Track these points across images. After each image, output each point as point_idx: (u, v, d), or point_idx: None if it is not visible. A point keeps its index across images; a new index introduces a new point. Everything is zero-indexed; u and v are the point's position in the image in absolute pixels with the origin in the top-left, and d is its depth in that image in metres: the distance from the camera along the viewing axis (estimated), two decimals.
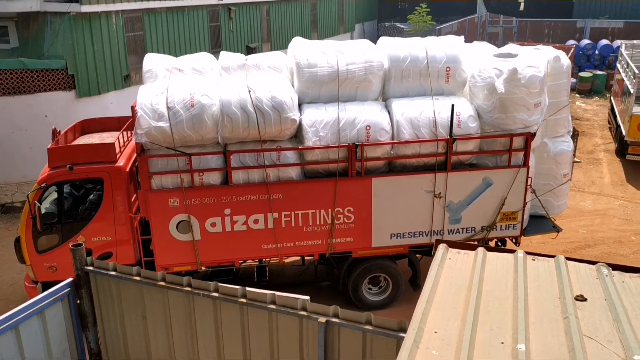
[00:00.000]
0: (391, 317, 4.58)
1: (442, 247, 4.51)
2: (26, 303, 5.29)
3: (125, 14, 15.09)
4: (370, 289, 9.44)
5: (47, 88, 13.77)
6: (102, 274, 5.71)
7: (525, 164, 8.74)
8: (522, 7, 37.94)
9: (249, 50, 20.76)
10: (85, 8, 13.56)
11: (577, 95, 24.51)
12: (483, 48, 9.57)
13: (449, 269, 4.21)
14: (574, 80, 24.12)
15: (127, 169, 8.56)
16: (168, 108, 7.95)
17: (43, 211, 8.47)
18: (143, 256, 8.64)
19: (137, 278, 5.53)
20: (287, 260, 9.54)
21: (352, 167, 8.41)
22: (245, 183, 8.38)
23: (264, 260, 9.25)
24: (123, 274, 5.60)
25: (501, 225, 9.06)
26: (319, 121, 8.31)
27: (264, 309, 4.93)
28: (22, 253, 8.58)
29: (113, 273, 5.65)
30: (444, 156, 8.52)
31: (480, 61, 8.71)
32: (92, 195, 8.85)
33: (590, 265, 4.16)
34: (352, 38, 32.09)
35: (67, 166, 8.28)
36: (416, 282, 9.37)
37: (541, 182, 9.47)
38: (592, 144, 18.53)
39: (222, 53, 9.15)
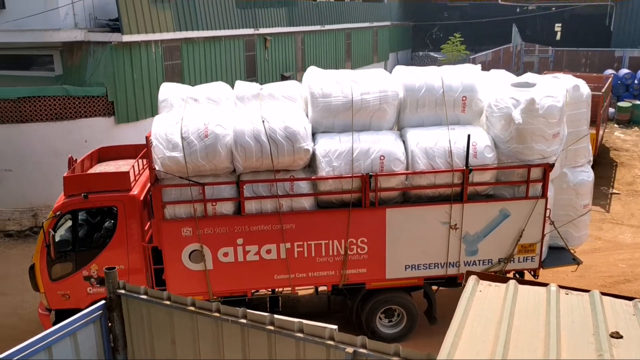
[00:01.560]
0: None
1: (472, 279, 4.42)
2: (59, 325, 5.39)
3: (165, 43, 15.50)
4: (384, 321, 9.27)
5: (87, 114, 14.15)
6: (133, 297, 5.74)
7: (544, 195, 8.55)
8: (558, 37, 37.52)
9: (283, 79, 20.94)
10: (127, 38, 13.99)
11: (616, 125, 23.70)
12: (500, 76, 9.45)
13: (479, 302, 4.12)
14: (612, 110, 23.55)
15: (141, 198, 8.58)
16: (182, 138, 7.98)
17: (57, 239, 8.51)
18: (155, 285, 8.61)
19: (167, 302, 5.54)
20: (300, 291, 9.43)
21: (366, 197, 8.31)
22: (258, 213, 8.33)
23: (276, 290, 9.16)
24: (154, 297, 5.63)
25: (519, 258, 8.85)
26: (332, 151, 8.26)
27: (291, 337, 4.88)
28: (36, 281, 8.62)
29: (144, 297, 5.68)
30: (460, 187, 8.38)
31: (497, 90, 8.60)
32: (106, 224, 8.88)
33: (627, 301, 4.00)
34: (385, 67, 32.19)
35: (82, 195, 8.33)
36: (432, 315, 9.18)
37: (561, 212, 9.26)
38: (631, 175, 17.85)
39: (237, 82, 9.20)
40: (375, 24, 31.07)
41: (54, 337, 5.25)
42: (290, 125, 8.09)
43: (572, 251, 9.56)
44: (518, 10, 39.36)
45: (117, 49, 14.01)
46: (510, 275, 9.41)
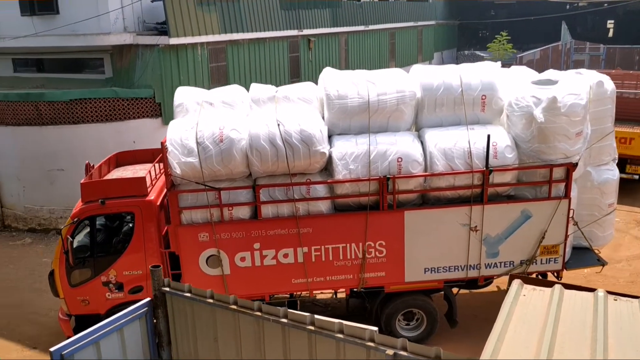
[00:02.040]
0: None
1: (516, 283, 4.32)
2: (107, 320, 5.56)
3: (210, 45, 15.68)
4: (403, 324, 9.14)
5: (136, 115, 14.43)
6: (177, 295, 5.85)
7: (567, 195, 8.32)
8: (611, 34, 36.05)
9: None
10: (173, 40, 14.24)
11: None
12: (521, 74, 9.22)
13: (523, 306, 4.04)
14: None
15: (158, 203, 8.56)
16: (197, 143, 7.93)
17: (76, 245, 8.55)
18: None
19: (210, 300, 5.63)
20: (318, 295, 9.35)
21: (384, 200, 8.18)
22: (274, 217, 8.26)
23: (295, 294, 9.08)
24: (197, 296, 5.74)
25: (541, 259, 8.64)
26: (349, 154, 8.14)
27: (331, 338, 4.90)
28: (55, 287, 8.68)
29: (188, 295, 5.78)
30: (480, 188, 8.20)
31: (518, 89, 8.38)
32: (124, 229, 8.89)
33: None
34: None
35: (99, 200, 8.34)
36: (453, 318, 9.03)
37: (585, 212, 9.02)
38: None
39: (253, 85, 9.11)
40: (419, 23, 30.64)
41: (101, 332, 5.43)
42: (306, 128, 7.98)
43: (596, 251, 9.32)
44: (568, 7, 38.11)
45: (164, 52, 14.28)
46: (533, 277, 9.23)
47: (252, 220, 8.26)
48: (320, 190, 8.21)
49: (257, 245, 8.33)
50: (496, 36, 32.85)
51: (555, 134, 7.97)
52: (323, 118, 8.51)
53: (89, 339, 5.33)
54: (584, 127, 8.16)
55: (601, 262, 9.15)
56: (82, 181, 8.63)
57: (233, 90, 9.01)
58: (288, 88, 8.93)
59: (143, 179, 8.49)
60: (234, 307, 5.42)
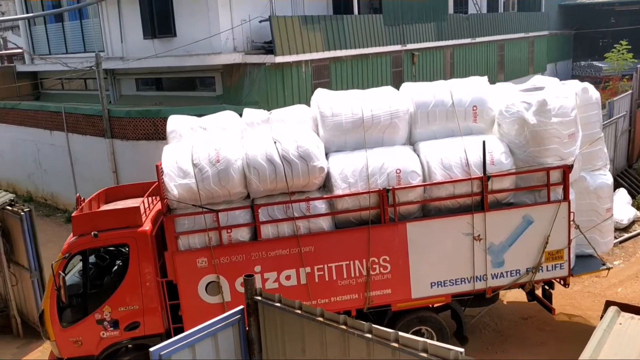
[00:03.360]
0: None
1: (612, 310, 4.03)
2: (202, 325, 5.71)
3: (314, 63, 15.94)
4: None
5: None
6: (268, 304, 5.92)
7: (566, 198, 8.33)
8: None
9: None
10: (279, 59, 14.62)
11: None
12: (507, 87, 9.44)
13: (618, 335, 3.80)
14: None
15: (154, 233, 8.30)
16: (194, 165, 7.81)
17: (68, 282, 8.17)
18: (172, 323, 8.20)
19: (299, 312, 5.65)
20: None
21: (385, 213, 8.07)
22: (275, 237, 8.05)
23: None
24: (287, 306, 5.77)
25: (547, 266, 8.53)
26: (347, 168, 8.09)
27: (415, 356, 4.70)
28: (46, 328, 8.20)
29: (278, 305, 5.83)
30: (479, 196, 8.17)
31: (507, 97, 8.54)
32: (118, 262, 8.56)
33: None
34: None
35: (92, 233, 8.04)
36: (462, 334, 8.74)
37: (584, 218, 9.00)
38: None
39: (246, 110, 9.11)
40: (531, 34, 29.04)
41: (197, 336, 5.62)
42: (303, 144, 7.94)
43: (600, 257, 9.24)
44: None
45: (270, 70, 14.66)
46: (539, 286, 9.08)
47: (252, 241, 8.04)
48: (321, 206, 8.08)
49: (258, 269, 8.06)
50: (615, 45, 29.13)
51: (548, 137, 8.07)
52: (318, 136, 8.50)
53: (185, 342, 5.54)
54: (576, 129, 8.29)
55: (607, 267, 9.06)
56: (73, 214, 8.36)
57: (226, 116, 9.00)
58: (282, 111, 8.96)
59: (137, 208, 8.25)
60: (321, 319, 5.40)
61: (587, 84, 9.14)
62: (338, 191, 8.01)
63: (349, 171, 8.07)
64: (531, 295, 9.10)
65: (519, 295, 9.65)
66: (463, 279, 8.41)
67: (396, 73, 19.27)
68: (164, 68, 16.40)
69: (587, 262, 9.09)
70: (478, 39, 24.09)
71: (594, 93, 9.07)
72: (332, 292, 8.24)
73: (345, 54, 16.89)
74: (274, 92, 14.81)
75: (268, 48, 15.01)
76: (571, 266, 8.75)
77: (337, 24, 16.51)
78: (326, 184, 8.25)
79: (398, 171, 8.06)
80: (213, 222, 7.89)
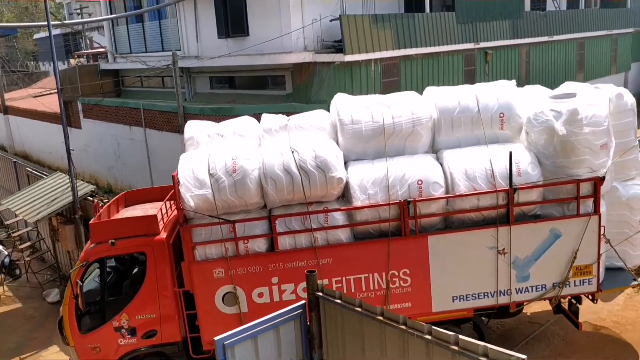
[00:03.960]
0: None
1: None
2: (265, 317, 5.91)
3: (384, 61, 15.84)
4: None
5: None
6: (329, 300, 5.98)
7: (596, 211, 7.96)
8: None
9: None
10: (348, 57, 14.55)
11: None
12: (537, 91, 9.03)
13: None
14: None
15: (171, 241, 8.23)
16: (210, 175, 7.68)
17: (86, 289, 8.18)
18: (189, 332, 8.16)
19: (359, 310, 5.68)
20: None
21: (405, 225, 7.83)
22: (292, 249, 7.90)
23: None
24: (347, 303, 5.82)
25: (574, 281, 8.20)
26: (366, 179, 7.86)
27: None
28: (65, 334, 8.25)
29: (339, 301, 5.88)
30: (505, 208, 7.85)
31: (536, 104, 8.16)
32: (135, 271, 8.54)
33: None
34: (626, 79, 29.28)
35: (110, 241, 8.01)
36: None
37: (614, 230, 8.60)
38: None
39: (264, 115, 8.92)
40: (614, 31, 27.49)
41: (259, 328, 5.81)
42: (321, 154, 7.73)
43: (631, 271, 8.86)
44: None
45: (339, 68, 14.63)
46: (566, 301, 8.77)
47: (268, 253, 7.90)
48: (339, 218, 7.87)
49: (275, 280, 7.94)
50: None
51: (579, 147, 7.69)
52: (338, 144, 8.27)
53: (248, 333, 5.72)
54: (608, 139, 7.88)
55: (638, 282, 8.68)
56: (90, 222, 8.34)
57: (244, 121, 8.83)
58: (300, 116, 8.73)
59: (154, 217, 8.19)
60: (380, 318, 5.42)
61: (623, 90, 8.67)
62: (357, 202, 7.80)
63: (369, 182, 7.84)
64: (557, 309, 8.80)
65: (592, 305, 9.18)
66: (486, 293, 8.15)
67: (468, 72, 18.81)
68: (237, 67, 16.70)
69: (617, 277, 8.71)
70: (556, 37, 23.04)
71: (629, 98, 8.61)
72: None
73: (415, 53, 16.59)
74: (343, 91, 14.35)
75: (338, 47, 14.96)
76: (600, 281, 8.41)
77: (408, 22, 16.22)
78: (345, 194, 8.04)
79: (420, 182, 7.79)
80: (230, 232, 7.77)
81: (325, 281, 7.94)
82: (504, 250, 7.97)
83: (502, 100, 8.25)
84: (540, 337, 9.45)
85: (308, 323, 6.17)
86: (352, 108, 8.31)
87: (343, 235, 7.93)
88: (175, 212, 8.47)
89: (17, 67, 46.83)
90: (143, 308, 8.15)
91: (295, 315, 6.10)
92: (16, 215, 13.48)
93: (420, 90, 15.70)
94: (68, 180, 12.39)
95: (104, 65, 23.39)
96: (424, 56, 16.94)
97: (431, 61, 17.27)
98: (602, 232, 8.08)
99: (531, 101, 8.41)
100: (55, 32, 25.73)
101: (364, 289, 8.04)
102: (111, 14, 22.76)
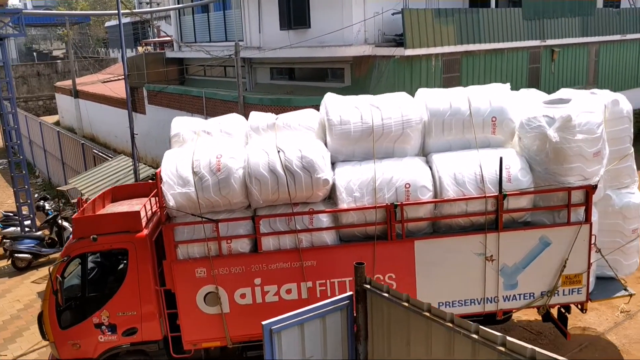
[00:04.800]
0: None
1: None
2: (312, 306, 6.04)
3: (445, 56, 15.78)
4: None
5: None
6: (376, 293, 6.01)
7: (587, 220, 7.79)
8: None
9: None
10: (409, 52, 14.60)
11: None
12: (532, 95, 8.85)
13: None
14: None
15: (154, 238, 8.10)
16: (194, 173, 7.54)
17: (66, 284, 8.07)
18: (170, 332, 8.05)
19: (406, 304, 5.68)
20: None
21: (392, 229, 7.68)
22: (276, 250, 7.76)
23: None
24: (394, 297, 5.84)
25: (564, 290, 8.05)
26: (353, 181, 7.71)
27: None
28: (45, 329, 8.15)
29: (386, 295, 5.91)
30: (494, 214, 7.70)
31: (529, 109, 7.99)
32: (117, 267, 8.42)
33: None
34: None
35: (91, 237, 7.89)
36: None
37: (607, 239, 8.45)
38: None
39: (252, 113, 8.77)
40: None
41: (306, 316, 5.92)
42: (308, 155, 7.58)
43: (622, 281, 8.70)
44: None
45: (399, 62, 14.67)
46: (555, 310, 8.62)
47: (252, 253, 7.77)
48: (324, 220, 7.73)
49: (258, 281, 7.81)
50: None
51: (572, 155, 7.51)
52: (326, 145, 8.12)
53: (295, 320, 5.84)
54: (602, 147, 7.70)
55: (628, 292, 8.52)
56: (73, 216, 8.22)
57: (231, 119, 8.68)
58: (289, 115, 8.59)
59: (137, 213, 8.06)
60: (427, 314, 5.41)
61: (619, 96, 8.48)
62: (343, 205, 7.66)
63: (356, 184, 7.69)
64: (546, 317, 8.66)
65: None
66: (473, 300, 8.01)
67: (533, 70, 18.48)
68: (297, 58, 16.92)
69: (607, 286, 8.57)
70: (630, 36, 22.21)
71: (625, 105, 8.41)
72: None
73: (478, 48, 16.42)
74: (402, 85, 14.62)
75: (399, 41, 14.85)
76: (590, 290, 8.25)
77: (472, 17, 16.02)
78: (331, 196, 7.89)
79: (407, 186, 7.64)
80: (213, 232, 7.64)
81: (309, 283, 7.84)
82: (492, 257, 7.83)
83: (494, 104, 8.07)
84: (595, 345, 9.29)
85: (355, 314, 6.24)
86: (342, 108, 8.15)
87: (328, 237, 7.79)
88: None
89: (88, 53, 50.09)
90: (124, 305, 8.04)
91: (342, 306, 6.20)
92: (82, 194, 13.74)
93: None
94: (131, 163, 13.13)
95: (169, 54, 24.17)
96: (487, 52, 16.74)
97: (494, 58, 17.04)
98: (593, 242, 7.92)
99: (525, 106, 8.24)
100: (124, 20, 26.92)
101: (348, 292, 7.89)
102: (178, 3, 23.53)
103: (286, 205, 7.73)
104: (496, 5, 17.77)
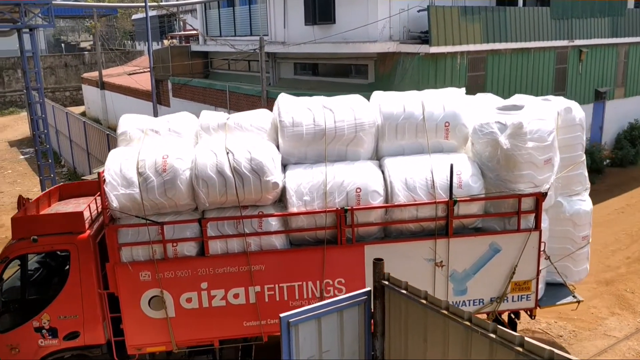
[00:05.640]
0: None
1: None
2: (330, 300, 6.06)
3: (470, 55, 15.51)
4: None
5: None
6: (394, 290, 5.98)
7: (537, 227, 7.80)
8: None
9: (597, 95, 19.60)
10: (434, 49, 14.36)
11: None
12: (487, 100, 8.82)
13: None
14: None
15: (98, 240, 7.85)
16: (139, 173, 7.31)
17: (5, 287, 7.78)
18: (113, 336, 7.82)
19: (424, 301, 5.66)
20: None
21: (342, 233, 7.58)
22: (223, 253, 7.59)
23: (250, 338, 8.33)
24: (412, 294, 5.80)
25: (513, 297, 8.06)
26: (304, 184, 7.57)
27: None
28: None
29: (404, 292, 5.87)
30: (444, 220, 7.65)
31: (482, 115, 7.95)
32: (58, 269, 8.14)
33: None
34: None
35: (31, 238, 7.60)
36: None
37: (557, 245, 8.51)
38: None
39: (203, 112, 8.57)
40: None
41: (324, 310, 5.93)
42: (257, 157, 7.41)
43: (571, 288, 8.76)
44: None
45: (423, 60, 14.44)
46: (505, 316, 8.63)
47: (198, 257, 7.58)
48: (274, 223, 7.58)
49: (204, 285, 7.63)
50: None
51: (522, 162, 7.50)
52: (278, 147, 7.97)
53: (313, 313, 5.84)
54: (553, 154, 7.71)
55: (577, 299, 8.58)
56: (13, 216, 7.91)
57: (182, 118, 8.46)
58: (241, 115, 8.40)
59: (80, 213, 7.79)
60: (445, 312, 5.39)
61: (572, 103, 8.50)
62: (292, 208, 7.52)
63: (306, 187, 7.56)
64: (496, 322, 8.66)
65: None
66: None
67: (560, 70, 18.32)
68: (321, 54, 16.89)
69: (556, 293, 8.62)
70: None
71: (578, 113, 8.45)
72: (283, 313, 7.80)
73: (504, 47, 16.25)
74: (426, 83, 14.45)
75: (424, 38, 14.69)
76: (540, 297, 8.29)
77: (499, 16, 15.85)
78: (282, 199, 7.74)
79: (358, 190, 7.54)
80: (158, 234, 7.42)
81: (258, 288, 7.69)
82: (441, 263, 7.79)
83: (448, 109, 8.02)
84: (615, 352, 9.30)
85: (372, 310, 6.22)
86: (294, 110, 8.00)
87: (277, 241, 7.65)
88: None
89: (115, 45, 50.41)
90: (65, 309, 7.77)
91: (360, 301, 6.17)
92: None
93: (507, 86, 15.41)
94: None
95: (194, 47, 24.25)
96: (513, 51, 16.61)
97: (520, 57, 16.90)
98: (542, 248, 7.94)
99: (480, 110, 8.20)
100: (151, 13, 26.63)
101: (297, 297, 7.79)
102: None
103: (235, 208, 7.56)
104: (524, 4, 17.57)
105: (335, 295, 7.79)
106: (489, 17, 15.62)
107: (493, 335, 4.90)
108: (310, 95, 14.63)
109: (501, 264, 7.88)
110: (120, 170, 7.34)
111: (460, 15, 14.87)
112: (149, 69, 14.39)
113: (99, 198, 8.48)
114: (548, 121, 7.68)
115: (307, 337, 5.91)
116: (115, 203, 7.21)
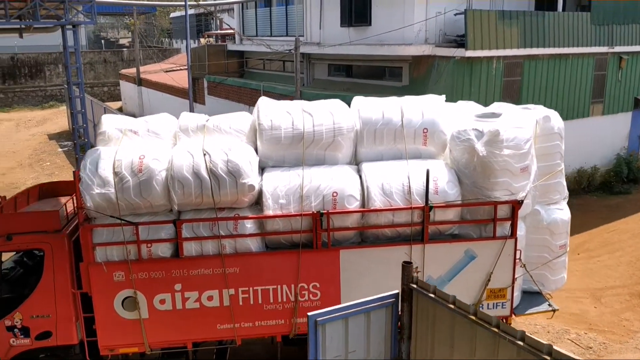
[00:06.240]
0: None
1: None
2: (358, 301, 6.08)
3: (507, 59, 15.37)
4: None
5: None
6: (423, 293, 5.99)
7: (513, 234, 7.81)
8: None
9: (637, 103, 19.30)
10: (470, 53, 14.23)
11: None
12: (467, 107, 8.86)
13: None
14: None
15: (72, 239, 7.82)
16: (114, 173, 7.30)
17: None
18: (86, 336, 7.78)
19: (452, 306, 5.65)
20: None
21: (317, 237, 7.57)
22: (198, 255, 7.57)
23: (225, 341, 8.29)
24: (440, 298, 5.81)
25: (488, 304, 8.05)
26: (280, 187, 7.57)
27: None
28: None
29: (432, 296, 5.88)
30: (420, 226, 7.66)
31: (460, 122, 7.98)
32: (37, 268, 8.10)
33: None
34: None
35: (6, 236, 7.57)
36: None
37: (535, 254, 8.52)
38: None
39: (182, 114, 8.57)
40: None
41: (352, 310, 5.99)
42: (234, 159, 7.41)
43: (548, 296, 8.76)
44: None
45: (459, 64, 14.30)
46: None
47: (173, 258, 7.56)
48: (249, 226, 7.57)
49: (178, 287, 7.60)
50: None
51: (498, 169, 7.51)
52: (256, 150, 7.97)
53: (340, 313, 5.90)
54: (530, 162, 7.73)
55: (552, 308, 8.57)
56: None
57: (161, 119, 8.45)
58: (220, 117, 8.40)
59: (55, 212, 7.78)
60: (473, 317, 5.38)
61: (551, 112, 8.54)
62: (268, 211, 7.52)
63: (282, 191, 7.56)
64: None
65: None
66: None
67: (598, 77, 18.07)
68: (356, 56, 16.88)
69: (532, 301, 8.61)
70: None
71: (556, 122, 8.48)
72: (257, 316, 7.79)
73: (541, 53, 16.07)
74: (460, 87, 14.36)
75: (460, 41, 14.59)
76: (515, 305, 8.28)
77: (537, 20, 15.69)
78: (259, 201, 7.74)
79: (335, 194, 7.54)
80: (133, 235, 7.40)
81: (232, 291, 7.67)
82: (417, 269, 7.71)
83: (427, 116, 8.05)
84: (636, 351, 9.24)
85: (400, 313, 6.23)
86: (273, 113, 8.01)
87: (252, 244, 7.63)
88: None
89: (153, 43, 51.48)
90: (38, 308, 7.74)
91: (388, 304, 6.21)
92: None
93: (544, 92, 15.32)
94: None
95: (230, 46, 24.51)
96: (551, 57, 16.43)
97: (558, 63, 16.71)
98: (518, 256, 7.94)
99: (459, 118, 8.23)
100: (189, 12, 26.71)
101: (271, 300, 7.76)
102: None
103: (211, 210, 7.55)
104: (563, 9, 17.37)
105: (309, 300, 7.81)
106: (527, 21, 15.43)
107: (521, 343, 4.92)
108: (344, 97, 14.75)
109: (477, 271, 7.87)
110: (96, 169, 7.33)
111: (498, 19, 14.72)
112: (185, 67, 14.67)
113: (75, 198, 8.50)
114: (525, 129, 7.70)
115: (333, 337, 5.99)
116: (89, 202, 7.20)
